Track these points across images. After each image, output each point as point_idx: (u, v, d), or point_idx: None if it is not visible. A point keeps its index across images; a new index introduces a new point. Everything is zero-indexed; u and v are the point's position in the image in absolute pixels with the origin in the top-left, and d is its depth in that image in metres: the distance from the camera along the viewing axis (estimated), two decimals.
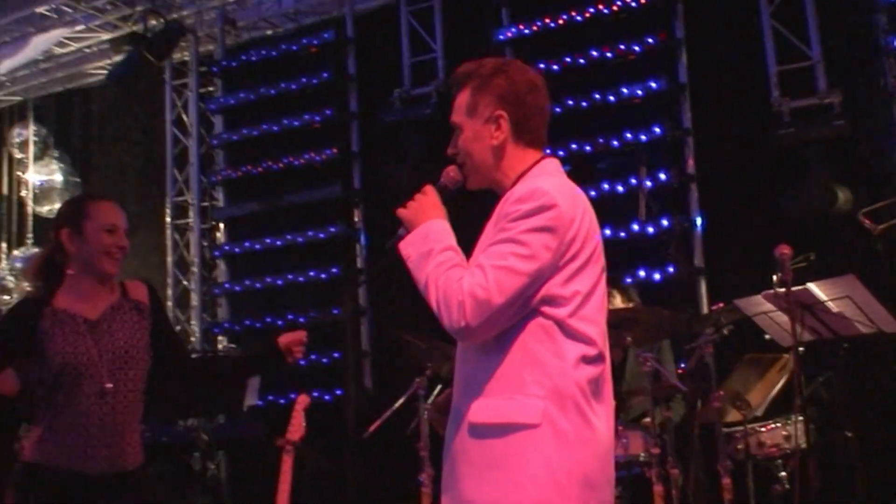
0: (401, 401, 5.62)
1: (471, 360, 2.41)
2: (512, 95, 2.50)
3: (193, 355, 6.81)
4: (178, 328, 8.44)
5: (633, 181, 5.87)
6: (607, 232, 6.54)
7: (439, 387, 5.55)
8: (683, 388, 4.61)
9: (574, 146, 6.88)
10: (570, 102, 6.90)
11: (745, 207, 6.60)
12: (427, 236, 2.43)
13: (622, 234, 6.66)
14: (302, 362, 3.96)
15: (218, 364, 3.73)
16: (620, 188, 6.76)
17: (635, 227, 6.65)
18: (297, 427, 4.71)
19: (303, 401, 4.76)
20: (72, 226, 3.26)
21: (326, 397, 7.59)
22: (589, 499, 2.30)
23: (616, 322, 4.82)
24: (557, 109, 6.86)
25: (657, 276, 6.58)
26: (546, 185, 2.38)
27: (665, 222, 6.60)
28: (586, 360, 2.35)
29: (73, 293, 3.25)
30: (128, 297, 3.35)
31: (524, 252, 2.29)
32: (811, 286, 4.20)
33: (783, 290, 4.13)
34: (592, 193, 6.70)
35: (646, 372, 4.69)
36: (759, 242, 5.73)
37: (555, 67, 6.92)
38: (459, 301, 2.27)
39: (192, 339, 8.73)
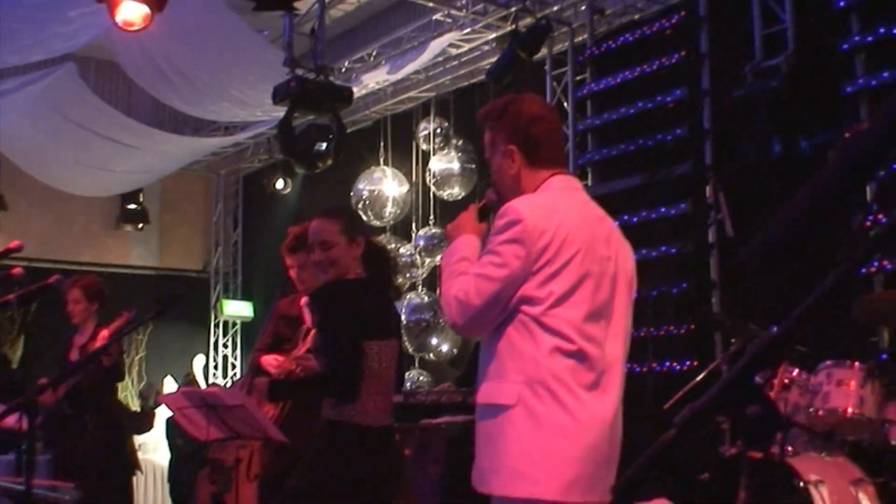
0: (702, 374, 5.81)
1: (482, 351, 2.88)
2: (519, 130, 2.94)
3: None
4: None
5: None
6: None
7: None
8: None
9: None
10: None
11: None
12: (452, 250, 2.93)
13: None
14: None
15: None
16: None
17: None
18: None
19: None
20: None
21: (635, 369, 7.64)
22: (563, 472, 2.65)
23: None
24: None
25: None
26: (522, 203, 2.81)
27: None
28: (562, 352, 2.71)
29: None
30: None
31: (497, 261, 2.74)
32: None
33: None
34: None
35: None
36: None
37: (894, 31, 6.50)
38: (448, 303, 2.79)
39: None
